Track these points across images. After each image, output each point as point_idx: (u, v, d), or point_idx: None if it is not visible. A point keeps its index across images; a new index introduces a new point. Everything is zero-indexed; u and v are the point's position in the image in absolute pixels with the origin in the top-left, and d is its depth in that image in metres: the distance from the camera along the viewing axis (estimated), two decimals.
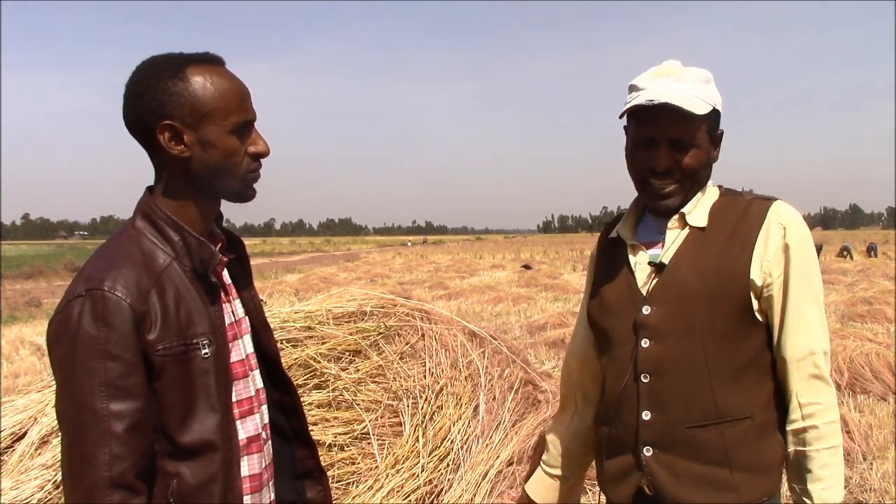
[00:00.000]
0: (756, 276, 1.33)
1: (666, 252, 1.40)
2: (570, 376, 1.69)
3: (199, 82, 1.13)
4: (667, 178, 1.37)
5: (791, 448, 1.36)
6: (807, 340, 1.34)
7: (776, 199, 1.39)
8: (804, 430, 1.34)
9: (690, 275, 1.36)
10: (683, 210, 1.40)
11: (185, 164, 1.14)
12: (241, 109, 1.16)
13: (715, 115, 1.37)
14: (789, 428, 1.36)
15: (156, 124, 1.12)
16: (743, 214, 1.38)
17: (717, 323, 1.34)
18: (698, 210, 1.41)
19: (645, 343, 1.38)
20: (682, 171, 1.36)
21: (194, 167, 1.15)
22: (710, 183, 1.45)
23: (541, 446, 1.76)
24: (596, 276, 1.55)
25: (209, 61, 1.16)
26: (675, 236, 1.41)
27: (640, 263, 1.43)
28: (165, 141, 1.12)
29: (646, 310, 1.39)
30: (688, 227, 1.40)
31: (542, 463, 1.71)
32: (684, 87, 1.34)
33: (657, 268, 1.39)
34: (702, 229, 1.39)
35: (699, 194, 1.42)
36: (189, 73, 1.13)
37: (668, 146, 1.35)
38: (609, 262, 1.51)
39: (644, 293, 1.40)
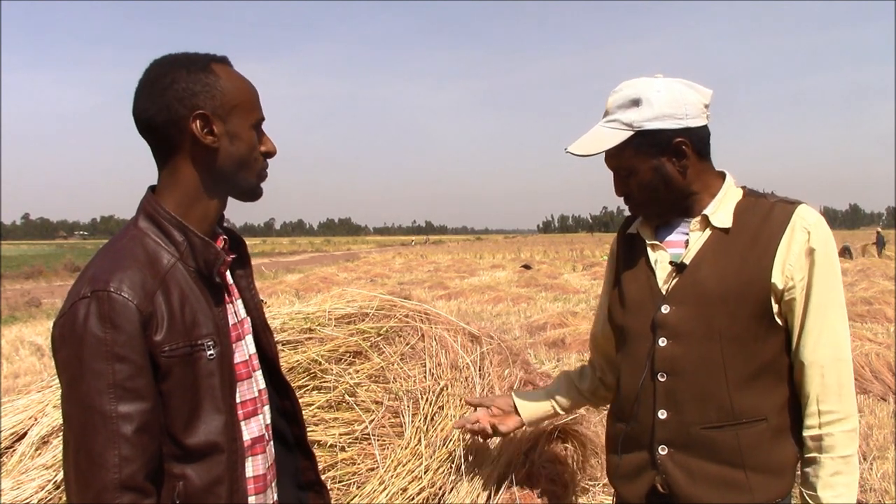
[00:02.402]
0: (777, 279, 1.33)
1: (688, 252, 1.41)
2: (594, 343, 1.76)
3: (225, 77, 1.16)
4: (628, 202, 1.46)
5: (805, 454, 1.37)
6: (830, 347, 1.34)
7: (801, 203, 1.38)
8: (820, 437, 1.34)
9: (711, 276, 1.36)
10: (706, 212, 1.41)
11: (212, 155, 1.16)
12: (258, 107, 1.21)
13: (643, 135, 1.36)
14: (805, 434, 1.36)
15: (188, 114, 1.13)
16: (766, 217, 1.37)
17: (736, 325, 1.34)
18: (721, 211, 1.41)
19: (662, 342, 1.38)
20: (633, 193, 1.43)
21: (220, 158, 1.16)
22: (732, 183, 1.45)
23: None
24: (616, 272, 1.56)
25: (224, 61, 1.20)
26: (697, 237, 1.41)
27: (661, 262, 1.44)
28: (198, 130, 1.13)
29: (665, 309, 1.39)
30: (710, 228, 1.40)
31: (550, 394, 1.81)
32: (606, 121, 1.41)
33: (678, 268, 1.40)
34: (725, 231, 1.39)
35: (720, 195, 1.42)
36: (215, 68, 1.16)
37: (616, 176, 1.45)
38: (629, 260, 1.52)
39: (664, 292, 1.41)
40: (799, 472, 1.41)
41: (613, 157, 1.41)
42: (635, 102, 1.37)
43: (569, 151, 1.40)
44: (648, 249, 1.46)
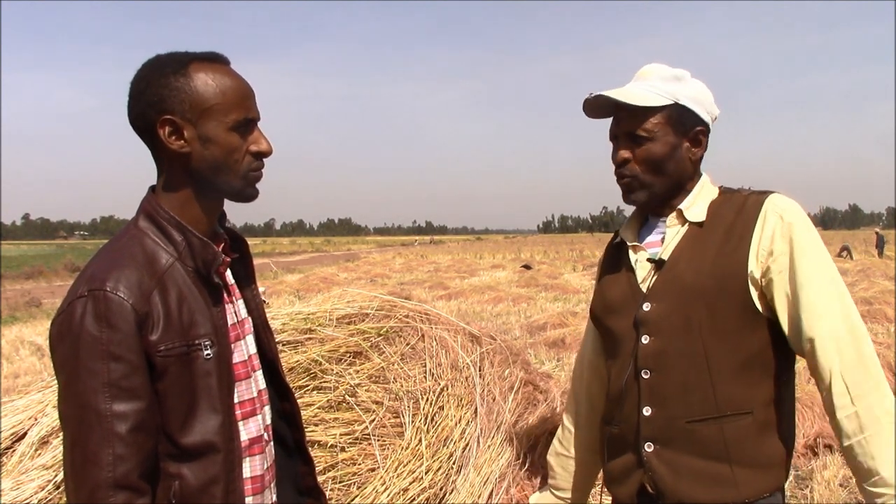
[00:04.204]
0: (754, 267, 1.33)
1: (665, 248, 1.42)
2: (578, 387, 1.71)
3: (202, 78, 1.13)
4: (624, 169, 1.42)
5: (844, 441, 1.26)
6: (840, 319, 1.28)
7: (773, 192, 1.40)
8: (857, 414, 1.24)
9: (688, 270, 1.37)
10: (681, 206, 1.42)
11: (185, 160, 1.14)
12: (242, 107, 1.16)
13: (679, 109, 1.38)
14: (840, 415, 1.26)
15: (156, 119, 1.12)
16: (740, 209, 1.39)
17: (716, 318, 1.34)
18: (696, 206, 1.43)
19: (645, 339, 1.39)
20: (638, 162, 1.40)
21: (194, 163, 1.14)
22: (707, 180, 1.47)
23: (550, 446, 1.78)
24: (600, 279, 1.58)
25: (213, 59, 1.16)
26: (674, 233, 1.43)
27: (640, 261, 1.46)
28: (165, 136, 1.12)
29: (646, 306, 1.40)
30: (686, 224, 1.42)
31: (550, 487, 1.74)
32: (643, 84, 1.40)
33: (657, 264, 1.41)
34: (700, 225, 1.40)
35: (696, 190, 1.44)
36: (192, 69, 1.13)
37: (625, 140, 1.41)
38: (612, 265, 1.54)
39: (644, 290, 1.42)
40: (846, 459, 1.31)
41: (639, 117, 1.38)
42: (677, 79, 1.40)
43: (602, 94, 1.37)
44: (630, 251, 1.48)
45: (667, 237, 1.43)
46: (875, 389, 1.25)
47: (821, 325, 1.27)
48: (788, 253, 1.31)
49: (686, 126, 1.40)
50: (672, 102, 1.38)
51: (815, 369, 1.30)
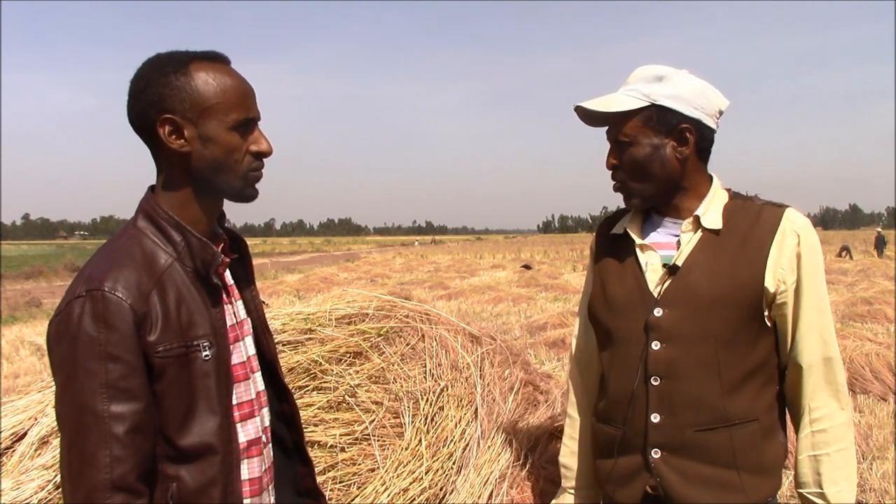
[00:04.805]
0: (770, 283, 1.34)
1: (680, 254, 1.40)
2: (587, 381, 1.64)
3: (202, 78, 1.12)
4: (614, 175, 1.44)
5: (804, 453, 1.39)
6: (822, 347, 1.37)
7: (788, 206, 1.40)
8: (815, 433, 1.37)
9: (704, 279, 1.36)
10: (698, 212, 1.40)
11: (185, 159, 1.14)
12: (242, 107, 1.15)
13: (657, 109, 1.36)
14: (803, 433, 1.39)
15: (156, 118, 1.11)
16: (755, 219, 1.38)
17: (729, 327, 1.34)
18: (711, 212, 1.41)
19: (656, 345, 1.37)
20: (624, 168, 1.41)
21: (194, 163, 1.14)
22: (719, 185, 1.46)
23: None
24: (600, 274, 1.53)
25: (213, 59, 1.16)
26: (688, 239, 1.40)
27: (651, 264, 1.43)
28: (165, 135, 1.12)
29: (658, 312, 1.38)
30: (701, 230, 1.40)
31: (567, 490, 1.68)
32: (625, 89, 1.40)
33: (670, 270, 1.39)
34: (716, 232, 1.39)
35: (709, 196, 1.42)
36: (192, 68, 1.13)
37: (613, 147, 1.42)
38: (615, 260, 1.50)
39: (656, 295, 1.39)
40: (798, 470, 1.41)
41: (618, 122, 1.39)
42: (659, 78, 1.39)
43: (579, 106, 1.39)
44: (637, 250, 1.45)
45: (682, 242, 1.41)
46: (834, 415, 1.37)
47: (805, 355, 1.37)
48: (798, 280, 1.36)
49: (667, 125, 1.37)
50: (648, 104, 1.36)
51: (794, 388, 1.41)
